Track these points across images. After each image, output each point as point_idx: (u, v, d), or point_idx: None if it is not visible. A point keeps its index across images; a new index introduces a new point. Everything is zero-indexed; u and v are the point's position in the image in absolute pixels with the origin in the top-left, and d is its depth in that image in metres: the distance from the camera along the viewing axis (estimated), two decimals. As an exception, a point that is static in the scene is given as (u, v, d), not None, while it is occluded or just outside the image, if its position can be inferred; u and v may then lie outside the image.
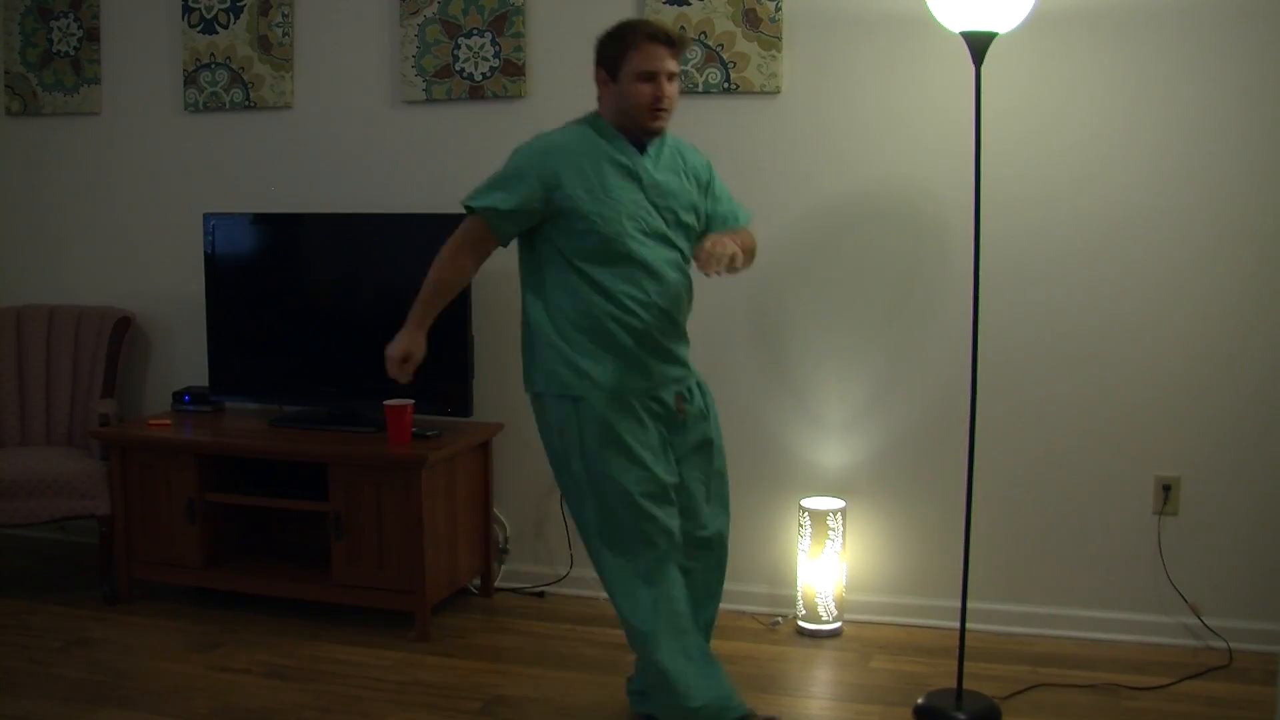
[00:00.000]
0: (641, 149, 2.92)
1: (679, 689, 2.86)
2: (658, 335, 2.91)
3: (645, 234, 2.88)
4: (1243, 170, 3.45)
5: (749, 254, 3.07)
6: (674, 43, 2.86)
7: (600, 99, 2.93)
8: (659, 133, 2.92)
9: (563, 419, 2.90)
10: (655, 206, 2.90)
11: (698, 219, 3.00)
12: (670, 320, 2.93)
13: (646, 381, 2.91)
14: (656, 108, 2.85)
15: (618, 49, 2.86)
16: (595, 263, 2.86)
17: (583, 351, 2.88)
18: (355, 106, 4.19)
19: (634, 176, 2.88)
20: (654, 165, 2.92)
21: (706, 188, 3.05)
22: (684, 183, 2.97)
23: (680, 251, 2.95)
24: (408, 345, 2.98)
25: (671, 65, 2.85)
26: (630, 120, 2.88)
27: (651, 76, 2.83)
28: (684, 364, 3.01)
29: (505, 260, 3.86)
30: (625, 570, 2.89)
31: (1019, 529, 3.69)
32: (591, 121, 2.95)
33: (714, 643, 3.30)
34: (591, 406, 2.86)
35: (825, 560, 3.69)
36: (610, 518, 2.88)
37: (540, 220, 2.90)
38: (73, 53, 4.47)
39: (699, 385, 3.06)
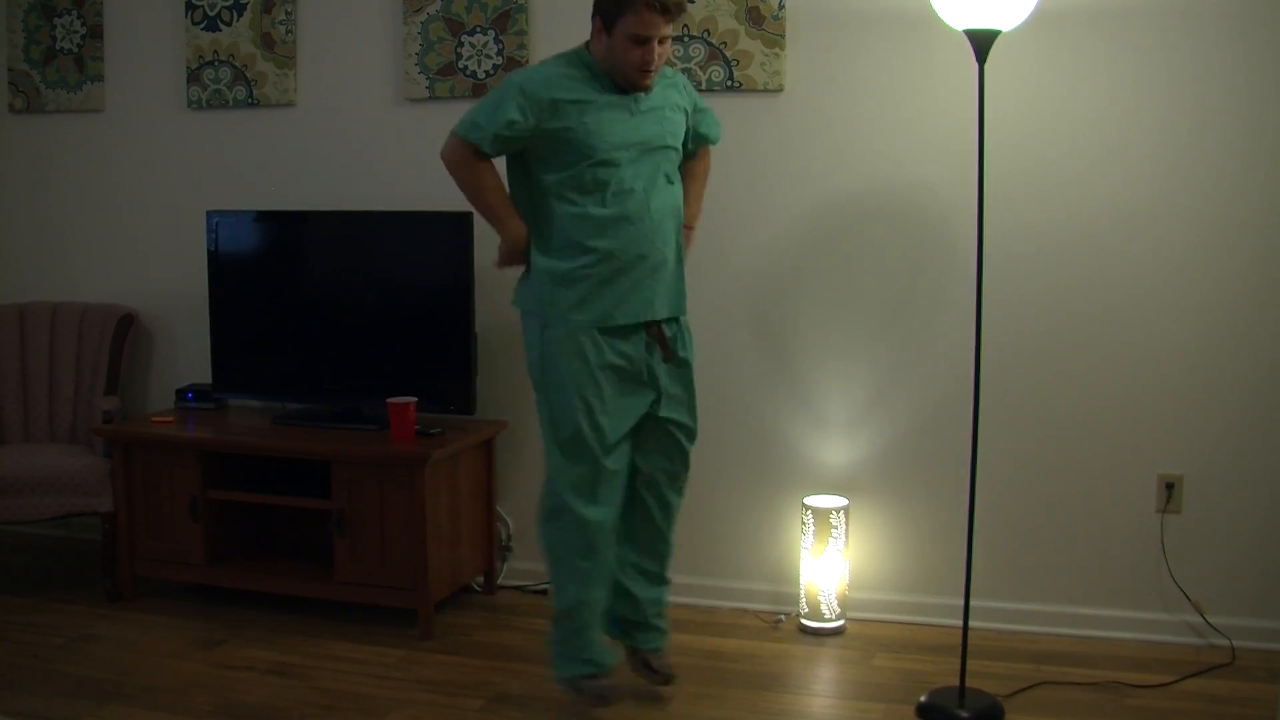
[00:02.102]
0: (626, 93, 3.03)
1: (555, 584, 3.15)
2: (638, 260, 3.01)
3: (628, 159, 2.99)
4: (1245, 166, 3.45)
5: (702, 179, 3.32)
6: (670, 11, 2.92)
7: (592, 38, 3.04)
8: (647, 89, 3.02)
9: (532, 337, 3.09)
10: (642, 132, 3.01)
11: (682, 135, 3.14)
12: (654, 245, 3.03)
13: (622, 307, 3.02)
14: (645, 69, 2.96)
15: (617, 7, 2.94)
16: (578, 190, 2.99)
17: (559, 278, 3.02)
18: (358, 104, 4.19)
19: (624, 108, 3.01)
20: (640, 103, 3.03)
21: (692, 106, 3.20)
22: (671, 105, 3.09)
23: (666, 175, 3.07)
24: (513, 236, 3.09)
25: (665, 31, 2.94)
26: (618, 74, 3.00)
27: (644, 40, 2.92)
28: (674, 297, 3.10)
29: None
30: (570, 480, 3.06)
31: (1022, 527, 3.69)
32: (581, 57, 3.06)
33: (716, 641, 3.31)
34: (555, 333, 3.03)
35: (828, 558, 3.69)
36: (563, 447, 3.06)
37: (526, 146, 3.02)
38: (76, 50, 4.48)
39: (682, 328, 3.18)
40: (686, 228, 3.21)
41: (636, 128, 3.01)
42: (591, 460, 3.03)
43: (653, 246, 3.03)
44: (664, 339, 3.10)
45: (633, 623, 3.25)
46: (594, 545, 3.06)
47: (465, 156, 3.03)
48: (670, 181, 3.09)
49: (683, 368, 3.17)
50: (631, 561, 3.22)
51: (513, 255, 3.12)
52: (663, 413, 3.13)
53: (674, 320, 3.13)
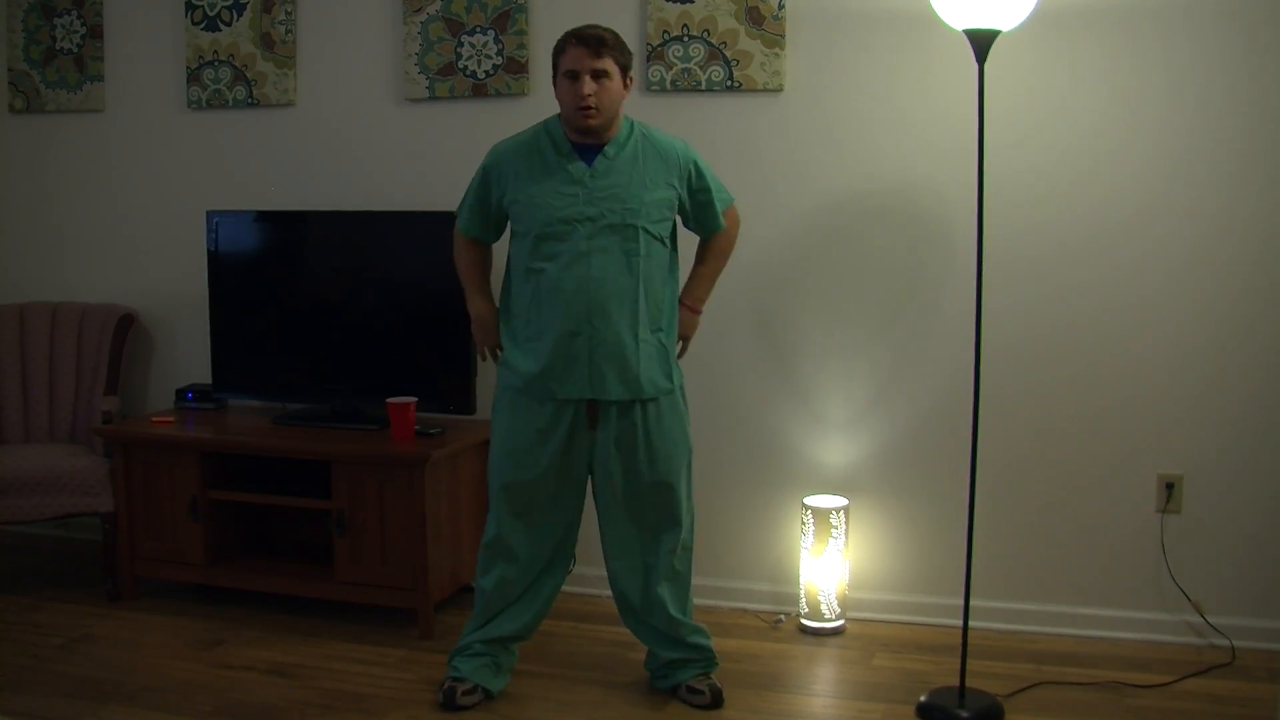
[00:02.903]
0: (598, 149, 3.05)
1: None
2: (585, 329, 3.03)
3: (580, 234, 3.01)
4: (1245, 167, 3.45)
5: (716, 259, 3.30)
6: (588, 43, 2.98)
7: None
8: (592, 132, 3.03)
9: (496, 398, 3.22)
10: (596, 206, 3.02)
11: (656, 214, 3.08)
12: (603, 317, 3.03)
13: (565, 381, 3.06)
14: (581, 106, 2.98)
15: (554, 54, 3.06)
16: (534, 257, 3.06)
17: (513, 343, 3.11)
18: (358, 104, 4.19)
19: (573, 179, 3.03)
20: (606, 165, 3.04)
21: (685, 178, 3.15)
22: (640, 181, 3.06)
23: (625, 251, 3.04)
24: (473, 314, 3.28)
25: (595, 64, 2.98)
26: (567, 122, 3.05)
27: (575, 76, 2.98)
28: (630, 377, 3.08)
29: (505, 260, 3.86)
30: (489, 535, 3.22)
31: (1022, 527, 3.69)
32: (548, 123, 3.13)
33: (716, 641, 3.31)
34: (503, 395, 3.17)
35: (828, 558, 3.69)
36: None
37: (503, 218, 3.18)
38: (76, 50, 4.48)
39: (657, 412, 3.15)
40: (692, 310, 3.23)
41: (589, 201, 3.02)
42: (498, 513, 3.18)
43: (588, 325, 3.02)
44: (594, 415, 3.11)
45: (664, 667, 3.27)
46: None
47: (456, 235, 3.28)
48: (630, 260, 3.04)
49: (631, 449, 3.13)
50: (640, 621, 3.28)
51: (476, 331, 3.28)
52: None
53: (633, 403, 3.10)
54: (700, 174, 3.17)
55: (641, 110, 3.85)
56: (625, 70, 3.06)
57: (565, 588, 4.06)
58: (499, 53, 3.98)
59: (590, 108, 2.98)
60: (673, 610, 3.19)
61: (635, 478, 3.13)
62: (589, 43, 2.98)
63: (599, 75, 2.98)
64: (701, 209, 3.20)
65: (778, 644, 3.67)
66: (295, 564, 3.97)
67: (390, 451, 3.70)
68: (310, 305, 4.12)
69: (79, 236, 4.58)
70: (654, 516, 3.18)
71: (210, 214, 4.17)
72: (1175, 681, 3.32)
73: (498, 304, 3.23)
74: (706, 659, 3.26)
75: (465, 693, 3.17)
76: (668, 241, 3.14)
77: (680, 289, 3.23)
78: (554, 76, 3.06)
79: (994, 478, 3.59)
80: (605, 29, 3.04)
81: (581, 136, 3.05)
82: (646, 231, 3.06)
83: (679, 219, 3.20)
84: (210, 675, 3.40)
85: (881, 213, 3.73)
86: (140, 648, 3.60)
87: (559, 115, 3.10)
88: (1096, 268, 3.58)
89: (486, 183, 3.15)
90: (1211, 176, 3.47)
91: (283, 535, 4.21)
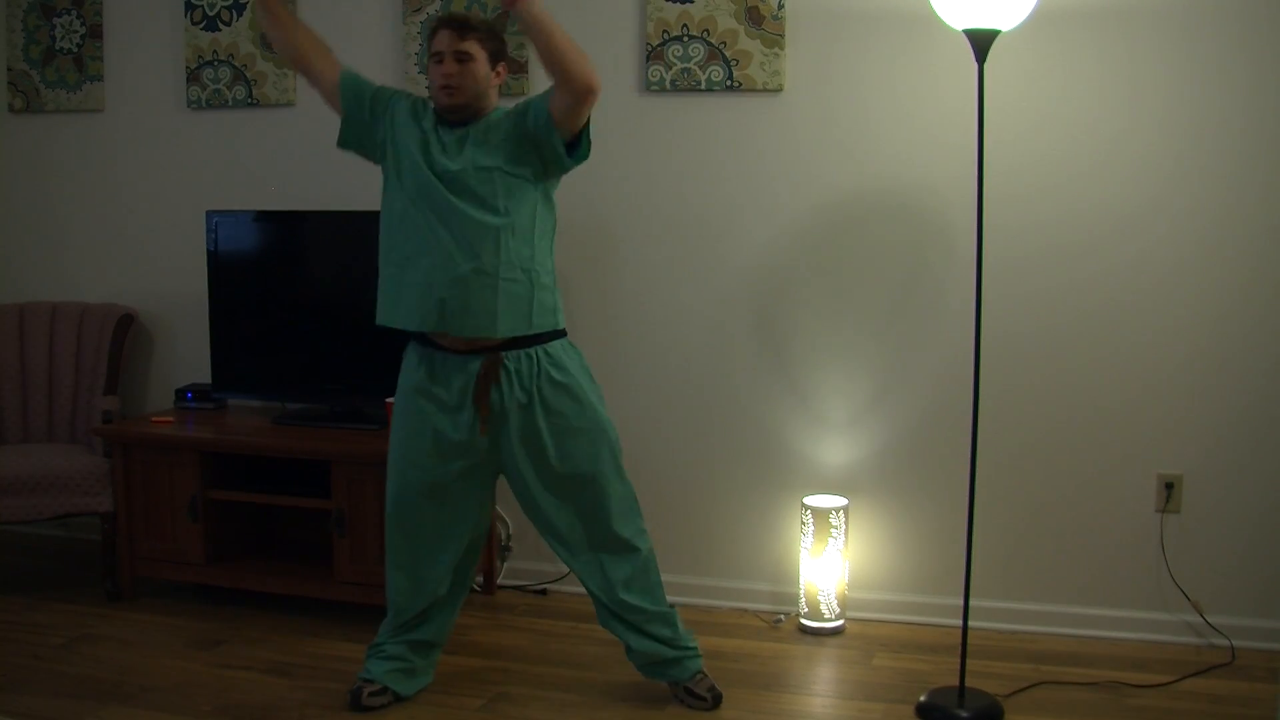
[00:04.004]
0: (464, 125, 3.05)
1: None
2: (445, 316, 2.99)
3: (430, 208, 2.99)
4: (1244, 166, 3.45)
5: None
6: (456, 26, 3.03)
7: None
8: (454, 111, 3.04)
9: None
10: (445, 183, 2.99)
11: (504, 175, 3.00)
12: (460, 304, 2.98)
13: (430, 371, 3.11)
14: (443, 84, 3.02)
15: (425, 37, 3.10)
16: (392, 231, 3.07)
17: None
18: (358, 104, 4.18)
19: (426, 150, 3.03)
20: (460, 145, 3.01)
21: (519, 120, 3.03)
22: (487, 154, 3.01)
23: (474, 226, 2.96)
24: None
25: (458, 46, 3.01)
26: (435, 100, 3.08)
27: (439, 57, 3.03)
28: (485, 350, 3.03)
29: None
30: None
31: (1022, 527, 3.69)
32: (425, 99, 3.17)
33: (716, 641, 3.31)
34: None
35: (828, 558, 3.69)
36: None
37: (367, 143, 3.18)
38: (75, 50, 4.48)
39: (535, 371, 3.06)
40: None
41: (445, 163, 3.00)
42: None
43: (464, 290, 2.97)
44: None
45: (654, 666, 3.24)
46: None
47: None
48: (486, 206, 2.97)
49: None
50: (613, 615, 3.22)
51: None
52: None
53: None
54: (523, 108, 3.05)
55: (641, 110, 3.87)
56: (496, 57, 3.09)
57: (566, 587, 4.08)
58: (499, 52, 3.98)
59: (450, 86, 3.02)
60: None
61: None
62: (453, 25, 3.05)
63: (463, 58, 3.02)
64: (533, 107, 3.01)
65: (777, 644, 3.67)
66: (295, 564, 3.97)
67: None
68: (310, 305, 4.12)
69: (79, 236, 4.58)
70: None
71: (210, 214, 4.16)
72: (1175, 681, 3.32)
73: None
74: (679, 660, 3.21)
75: (372, 694, 3.17)
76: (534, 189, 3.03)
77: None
78: (427, 63, 3.11)
79: (993, 477, 3.59)
80: (474, 14, 3.09)
81: (450, 116, 3.06)
82: (490, 198, 2.97)
83: (548, 160, 3.05)
84: (210, 675, 3.40)
85: (881, 212, 3.73)
86: (140, 648, 3.60)
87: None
88: (1096, 267, 3.58)
89: (385, 102, 3.14)
90: (1211, 175, 3.47)
91: (282, 535, 4.20)
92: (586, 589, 3.21)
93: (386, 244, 3.09)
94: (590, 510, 3.13)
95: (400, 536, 3.17)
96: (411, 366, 3.14)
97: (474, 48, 3.03)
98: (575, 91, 2.91)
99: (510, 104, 3.99)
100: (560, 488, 3.12)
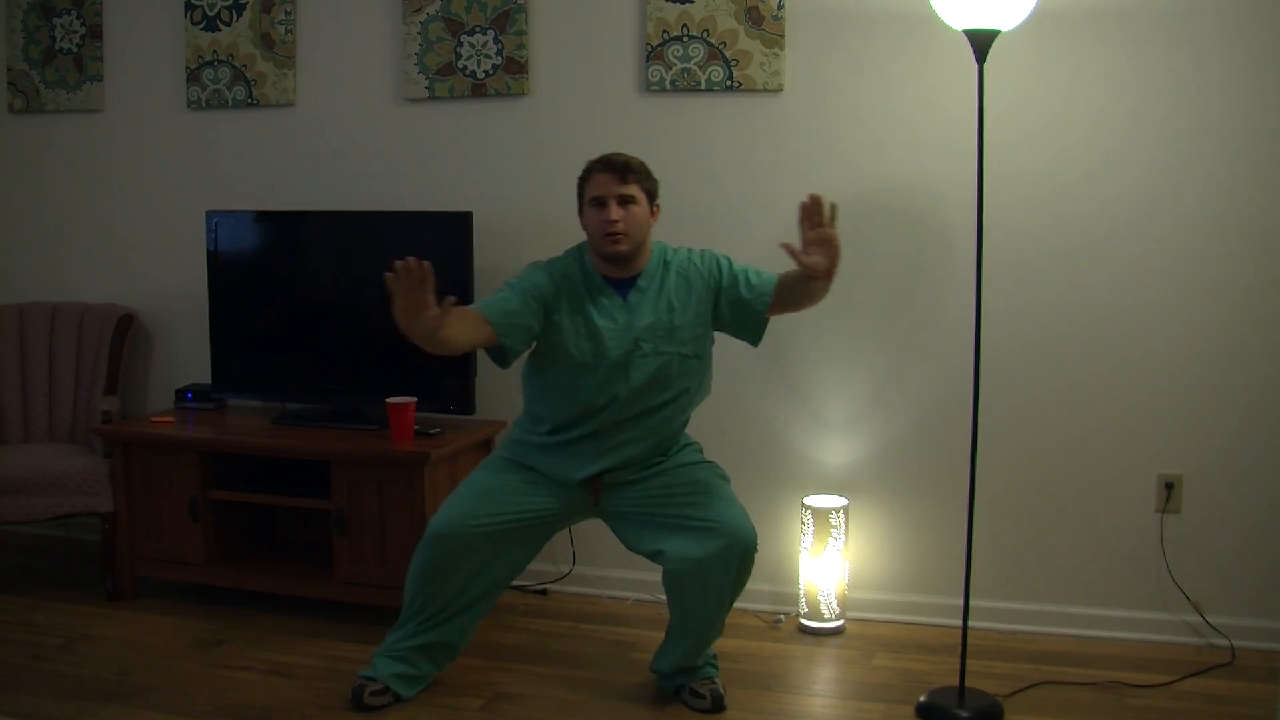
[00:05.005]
0: (632, 281, 3.08)
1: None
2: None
3: (617, 365, 3.06)
4: (1246, 167, 3.45)
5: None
6: (615, 169, 3.01)
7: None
8: (620, 257, 3.05)
9: None
10: (631, 339, 3.05)
11: (690, 339, 3.10)
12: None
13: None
14: (608, 232, 3.00)
15: (580, 182, 3.09)
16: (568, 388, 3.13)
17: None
18: (358, 104, 4.19)
19: (609, 315, 3.06)
20: (640, 299, 3.06)
21: (720, 290, 3.12)
22: (675, 312, 3.08)
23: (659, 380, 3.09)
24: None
25: (621, 190, 3.01)
26: (596, 250, 3.06)
27: (601, 202, 3.01)
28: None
29: (507, 260, 3.87)
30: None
31: (1021, 527, 3.69)
32: (579, 253, 3.14)
33: (716, 641, 3.30)
34: None
35: (828, 558, 3.69)
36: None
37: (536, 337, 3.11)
38: (75, 50, 4.48)
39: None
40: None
41: (625, 333, 3.05)
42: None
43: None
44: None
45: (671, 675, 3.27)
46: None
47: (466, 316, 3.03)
48: (665, 386, 3.09)
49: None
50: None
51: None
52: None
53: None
54: (721, 264, 3.15)
55: (641, 110, 3.87)
56: (651, 197, 3.08)
57: (566, 587, 4.08)
58: (499, 53, 3.98)
59: (618, 234, 3.00)
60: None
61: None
62: (615, 168, 3.02)
63: (625, 201, 3.01)
64: (746, 285, 3.10)
65: (777, 644, 3.67)
66: (295, 564, 3.97)
67: (390, 451, 3.70)
68: (310, 305, 4.12)
69: (78, 237, 4.58)
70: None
71: (210, 214, 4.16)
72: (1175, 681, 3.32)
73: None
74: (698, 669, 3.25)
75: (374, 693, 3.18)
76: (703, 361, 3.17)
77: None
78: (579, 207, 3.09)
79: (994, 478, 3.59)
80: (631, 156, 3.07)
81: (610, 267, 3.07)
82: (681, 357, 3.09)
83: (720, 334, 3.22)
84: (210, 675, 3.40)
85: (881, 213, 3.72)
86: (140, 648, 3.60)
87: (587, 245, 3.12)
88: (1097, 268, 3.58)
89: (537, 284, 3.06)
90: (1212, 177, 3.47)
91: (282, 535, 4.21)
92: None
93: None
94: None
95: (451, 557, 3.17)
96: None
97: (635, 191, 3.02)
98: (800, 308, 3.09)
99: (508, 105, 4.01)
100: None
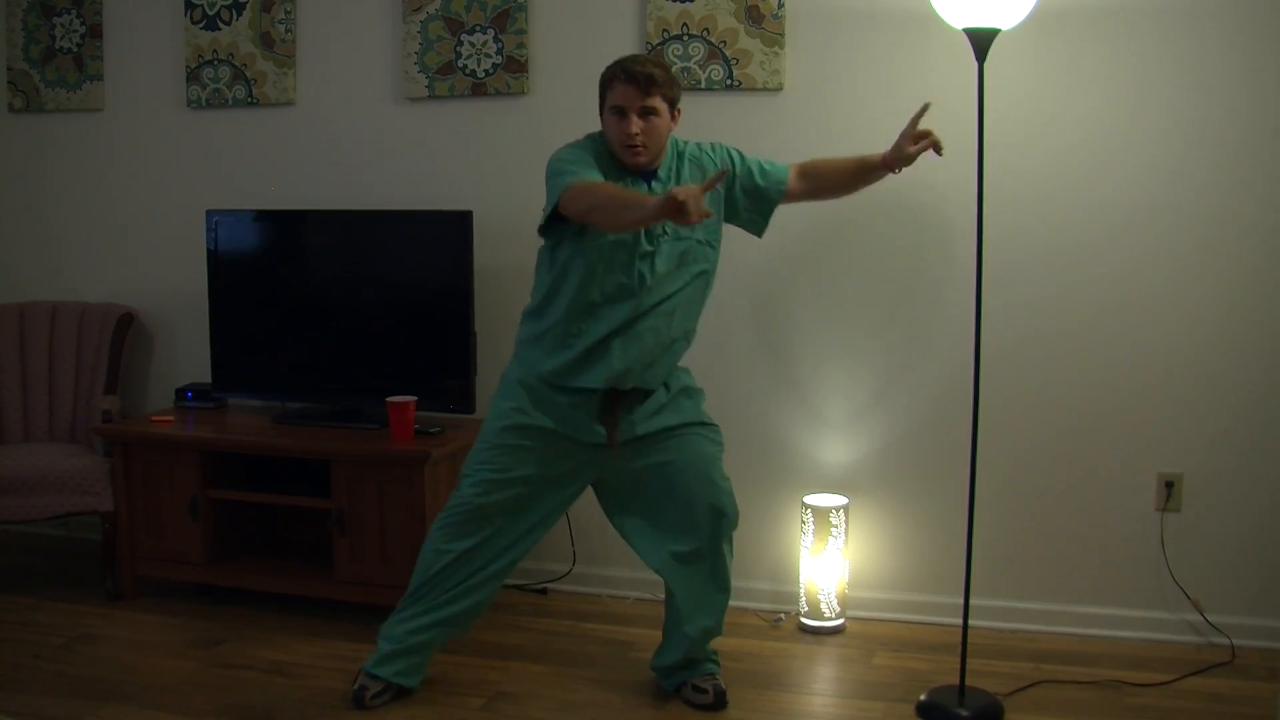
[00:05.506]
0: (652, 174, 3.04)
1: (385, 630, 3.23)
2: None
3: (653, 254, 3.02)
4: (1245, 166, 3.45)
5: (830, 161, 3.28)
6: (638, 81, 2.95)
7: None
8: (640, 169, 3.02)
9: None
10: (657, 226, 2.99)
11: (707, 226, 3.08)
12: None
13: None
14: (628, 144, 2.97)
15: (602, 84, 3.02)
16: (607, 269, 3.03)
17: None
18: (358, 103, 4.19)
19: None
20: (661, 190, 2.99)
21: (735, 179, 3.16)
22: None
23: (690, 271, 3.08)
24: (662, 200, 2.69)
25: (644, 102, 2.95)
26: (615, 154, 3.02)
27: (622, 112, 2.96)
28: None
29: (507, 260, 3.87)
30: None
31: (1022, 525, 3.69)
32: (601, 140, 3.07)
33: (715, 640, 3.31)
34: None
35: (828, 557, 3.69)
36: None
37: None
38: (75, 49, 4.48)
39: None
40: (884, 167, 3.19)
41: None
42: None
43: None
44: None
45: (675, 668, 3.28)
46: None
47: (570, 191, 2.89)
48: (695, 279, 3.08)
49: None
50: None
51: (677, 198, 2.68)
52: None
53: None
54: (735, 157, 3.18)
55: (641, 109, 3.86)
56: (673, 104, 3.03)
57: (567, 586, 4.08)
58: (499, 52, 3.98)
59: (637, 146, 2.97)
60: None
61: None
62: (638, 80, 2.94)
63: (647, 113, 2.96)
64: (760, 173, 3.18)
65: (778, 643, 3.67)
66: (295, 563, 3.97)
67: (390, 451, 3.70)
68: (310, 305, 4.12)
69: (78, 236, 4.58)
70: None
71: (210, 213, 4.16)
72: (1175, 680, 3.32)
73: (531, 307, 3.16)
74: (701, 663, 3.26)
75: (375, 695, 3.18)
76: (716, 249, 3.15)
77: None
78: (600, 106, 3.03)
79: (994, 476, 3.59)
80: (655, 63, 3.01)
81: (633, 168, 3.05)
82: (700, 245, 3.08)
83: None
84: (210, 675, 3.40)
85: (881, 211, 3.72)
86: (140, 647, 3.60)
87: (603, 135, 3.06)
88: (1096, 266, 3.58)
89: (590, 162, 2.97)
90: (1211, 176, 3.47)
91: (282, 534, 4.21)
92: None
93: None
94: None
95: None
96: None
97: (658, 103, 2.97)
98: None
99: (508, 104, 4.01)
100: None
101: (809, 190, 3.25)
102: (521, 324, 3.19)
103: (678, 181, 3.05)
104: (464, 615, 3.20)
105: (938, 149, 3.12)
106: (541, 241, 3.07)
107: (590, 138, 3.09)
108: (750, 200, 3.19)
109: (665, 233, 3.01)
